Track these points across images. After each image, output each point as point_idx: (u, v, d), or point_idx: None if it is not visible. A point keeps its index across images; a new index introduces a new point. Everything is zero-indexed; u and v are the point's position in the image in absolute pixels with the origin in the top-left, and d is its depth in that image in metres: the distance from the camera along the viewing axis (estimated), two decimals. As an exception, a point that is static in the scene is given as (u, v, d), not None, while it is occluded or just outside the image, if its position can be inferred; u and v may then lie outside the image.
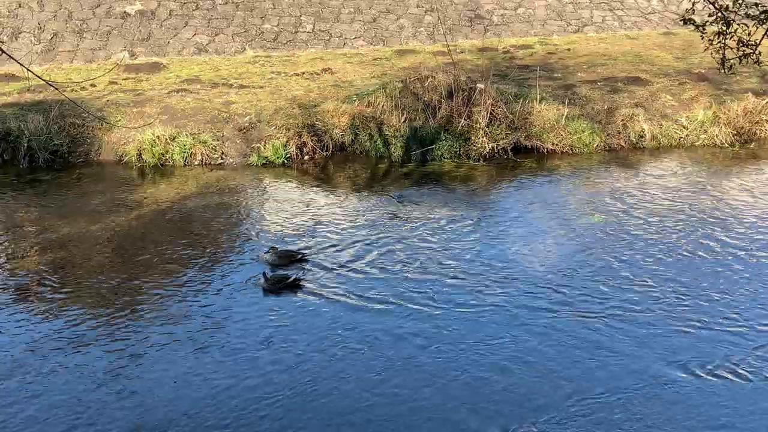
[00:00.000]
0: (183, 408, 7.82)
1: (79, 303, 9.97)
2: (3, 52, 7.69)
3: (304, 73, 19.48)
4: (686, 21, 8.24)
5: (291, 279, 10.30)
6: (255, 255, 11.26)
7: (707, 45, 8.26)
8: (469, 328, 9.22)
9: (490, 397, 7.95)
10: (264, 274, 10.35)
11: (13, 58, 7.77)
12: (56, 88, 7.63)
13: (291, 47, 22.01)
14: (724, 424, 7.58)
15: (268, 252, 11.00)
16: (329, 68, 19.80)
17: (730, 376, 8.30)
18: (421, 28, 23.18)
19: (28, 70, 7.23)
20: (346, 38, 22.54)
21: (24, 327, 9.39)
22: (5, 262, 11.27)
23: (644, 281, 10.39)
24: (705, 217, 12.62)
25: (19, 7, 21.70)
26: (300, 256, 11.05)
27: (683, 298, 9.94)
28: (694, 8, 8.31)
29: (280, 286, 10.21)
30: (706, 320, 9.38)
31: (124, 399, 7.98)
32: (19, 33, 21.16)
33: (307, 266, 10.87)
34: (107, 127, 15.94)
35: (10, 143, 15.68)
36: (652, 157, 16.09)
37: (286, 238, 11.92)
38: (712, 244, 11.55)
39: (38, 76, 7.11)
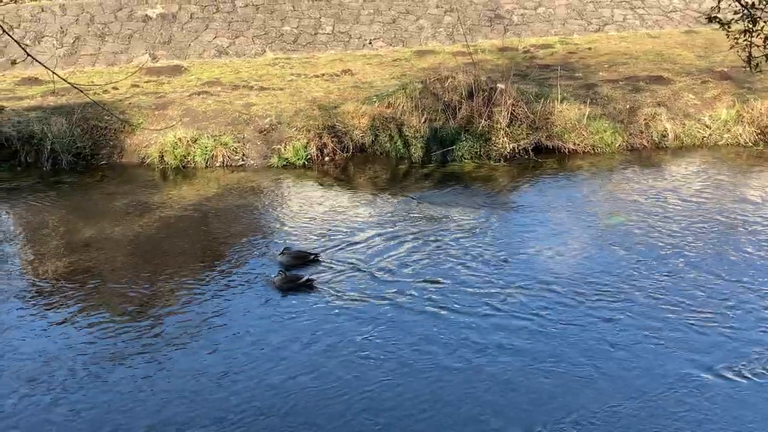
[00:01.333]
0: (204, 408, 7.85)
1: (103, 305, 10.04)
2: (28, 55, 7.78)
3: (323, 74, 19.53)
4: (711, 19, 8.19)
5: (303, 279, 10.32)
6: (272, 256, 11.28)
7: (733, 43, 8.20)
8: (490, 329, 9.18)
9: (512, 399, 7.91)
10: (281, 271, 10.39)
11: (39, 62, 7.85)
12: (81, 91, 7.69)
13: (311, 49, 22.07)
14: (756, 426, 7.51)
15: (281, 253, 11.03)
16: (349, 69, 19.83)
17: (758, 377, 8.21)
18: (441, 29, 23.15)
19: (54, 73, 7.30)
20: (365, 39, 22.56)
21: (49, 329, 9.47)
22: (30, 264, 11.38)
23: (669, 283, 10.29)
24: (729, 217, 12.49)
25: (42, 11, 21.93)
26: (313, 256, 11.07)
27: (709, 299, 9.83)
28: (719, 6, 8.24)
29: (291, 285, 10.23)
30: (734, 322, 9.27)
31: (150, 399, 8.03)
32: (42, 37, 21.38)
33: (324, 267, 10.87)
34: (129, 129, 16.09)
35: (34, 146, 15.86)
36: (675, 156, 15.96)
37: (306, 239, 11.94)
38: (737, 244, 11.42)
39: (64, 80, 7.19)
